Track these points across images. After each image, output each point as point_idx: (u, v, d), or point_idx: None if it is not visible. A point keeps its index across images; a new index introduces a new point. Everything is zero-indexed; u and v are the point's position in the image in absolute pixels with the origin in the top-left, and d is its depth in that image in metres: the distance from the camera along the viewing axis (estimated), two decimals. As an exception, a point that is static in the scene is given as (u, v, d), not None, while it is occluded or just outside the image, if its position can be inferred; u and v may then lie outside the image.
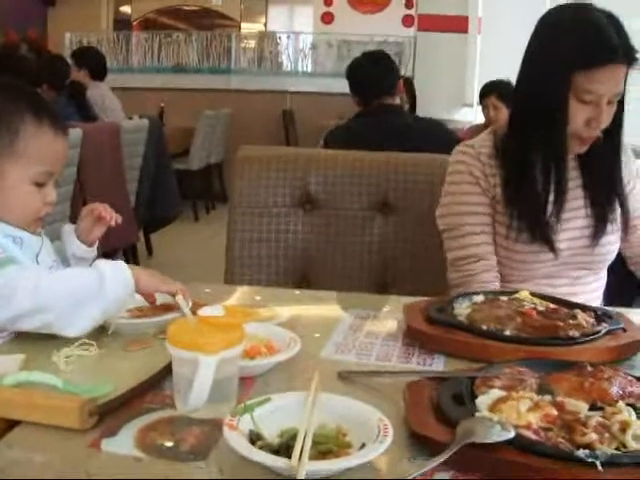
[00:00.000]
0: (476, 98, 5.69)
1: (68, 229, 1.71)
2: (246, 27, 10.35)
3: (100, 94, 6.40)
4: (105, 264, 1.38)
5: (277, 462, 0.90)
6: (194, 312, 1.22)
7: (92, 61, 6.56)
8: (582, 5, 1.93)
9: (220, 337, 1.08)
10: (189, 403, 1.05)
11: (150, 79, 9.82)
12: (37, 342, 1.32)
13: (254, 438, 0.96)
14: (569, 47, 1.85)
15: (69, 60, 6.58)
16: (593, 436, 0.97)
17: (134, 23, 10.49)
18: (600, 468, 0.91)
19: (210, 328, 1.11)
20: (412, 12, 9.36)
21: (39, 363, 1.23)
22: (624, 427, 0.99)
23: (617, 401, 1.09)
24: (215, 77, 9.90)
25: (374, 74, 3.73)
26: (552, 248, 1.93)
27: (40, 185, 1.56)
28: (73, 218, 3.54)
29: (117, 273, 1.36)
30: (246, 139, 8.52)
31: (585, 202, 2.00)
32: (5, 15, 9.48)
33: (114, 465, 0.97)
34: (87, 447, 1.00)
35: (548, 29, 1.94)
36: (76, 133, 4.22)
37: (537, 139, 1.93)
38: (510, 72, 2.01)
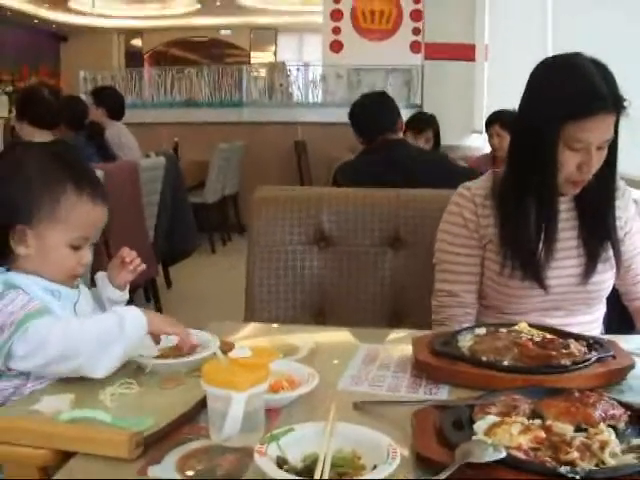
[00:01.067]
0: (484, 124, 5.82)
1: (101, 275, 1.85)
2: (256, 56, 10.52)
3: (117, 133, 6.53)
4: (122, 309, 1.55)
5: (301, 482, 1.05)
6: (224, 352, 1.37)
7: (110, 100, 6.70)
8: (572, 55, 2.00)
9: (249, 376, 1.23)
10: (223, 433, 1.21)
11: (163, 114, 9.96)
12: (83, 382, 1.46)
13: (281, 463, 1.11)
14: (559, 98, 1.94)
15: (85, 98, 6.76)
16: (575, 454, 1.11)
17: (145, 56, 10.69)
18: (579, 482, 1.05)
19: (240, 368, 1.26)
20: (419, 39, 9.48)
21: (88, 400, 1.38)
22: (603, 446, 1.13)
23: (599, 423, 1.23)
24: (227, 110, 10.03)
25: (375, 113, 3.87)
26: (542, 286, 2.03)
27: (76, 247, 1.69)
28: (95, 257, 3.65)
29: (134, 316, 1.52)
30: (260, 170, 8.76)
31: (578, 242, 2.09)
32: (19, 51, 9.69)
33: (160, 489, 1.12)
34: (136, 474, 1.15)
35: (539, 80, 2.03)
36: (98, 174, 4.38)
37: (531, 183, 2.02)
38: (517, 98, 2.10)
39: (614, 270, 2.13)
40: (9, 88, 9.05)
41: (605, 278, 2.12)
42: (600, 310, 2.21)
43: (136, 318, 1.52)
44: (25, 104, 4.79)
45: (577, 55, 2.00)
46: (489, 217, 2.11)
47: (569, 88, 1.95)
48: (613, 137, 1.97)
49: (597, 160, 1.96)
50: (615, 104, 1.92)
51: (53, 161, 1.73)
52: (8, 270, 1.66)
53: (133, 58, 10.70)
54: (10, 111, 7.43)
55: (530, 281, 2.04)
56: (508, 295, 2.10)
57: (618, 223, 2.12)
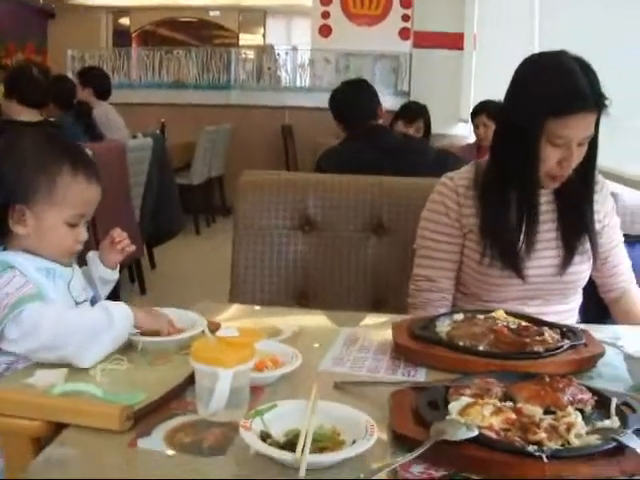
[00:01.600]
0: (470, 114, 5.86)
1: (92, 255, 1.90)
2: (244, 38, 10.46)
3: (105, 112, 6.54)
4: (111, 304, 1.60)
5: (284, 455, 1.11)
6: (212, 331, 1.42)
7: (97, 81, 6.71)
8: (556, 53, 2.05)
9: (235, 354, 1.29)
10: (210, 409, 1.26)
11: (151, 95, 9.92)
12: (74, 357, 1.52)
13: (264, 437, 1.17)
14: (542, 95, 2.00)
15: (72, 77, 6.76)
16: (543, 435, 1.17)
17: (133, 35, 10.63)
18: (545, 460, 1.11)
19: (227, 346, 1.31)
20: (408, 25, 9.47)
21: (80, 375, 1.44)
22: (569, 427, 1.20)
23: (567, 406, 1.29)
24: (215, 92, 10.00)
25: (356, 99, 3.89)
26: (521, 275, 2.09)
27: (73, 226, 1.74)
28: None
29: (122, 310, 1.57)
30: (246, 154, 8.78)
31: (557, 234, 2.15)
32: (5, 27, 9.61)
33: (149, 459, 1.17)
34: (126, 445, 1.20)
35: (525, 76, 2.08)
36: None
37: (513, 175, 2.08)
38: (503, 89, 2.14)
39: (591, 262, 2.19)
40: (-5, 64, 9.00)
41: (582, 269, 2.18)
42: (576, 300, 2.27)
43: (123, 312, 1.57)
44: (14, 82, 4.79)
45: (562, 53, 2.04)
46: (471, 207, 2.17)
47: (553, 86, 2.00)
48: (594, 134, 2.03)
49: (577, 156, 2.02)
50: (597, 103, 1.97)
51: (48, 142, 1.78)
52: (4, 249, 1.71)
53: (121, 37, 10.62)
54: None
55: (509, 271, 2.10)
56: (487, 283, 2.16)
57: (596, 217, 2.18)
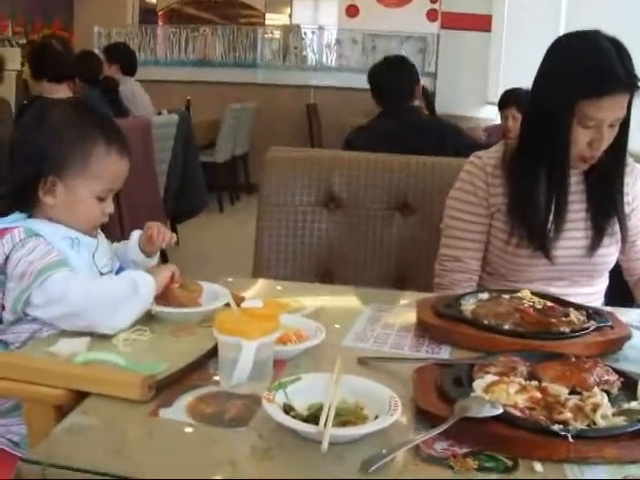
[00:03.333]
0: (499, 96, 5.77)
1: (136, 235, 1.89)
2: (271, 18, 10.41)
3: (131, 89, 6.56)
4: (135, 273, 1.60)
5: (307, 428, 1.10)
6: (236, 305, 1.42)
7: (123, 57, 6.73)
8: (590, 33, 2.01)
9: (259, 326, 1.28)
10: (232, 380, 1.26)
11: (176, 72, 9.93)
12: (97, 329, 1.52)
13: (287, 409, 1.16)
14: (574, 77, 1.96)
15: (99, 54, 6.77)
16: (568, 414, 1.16)
17: (159, 13, 10.61)
18: (571, 440, 1.10)
19: (251, 318, 1.31)
20: (436, 6, 9.42)
21: (102, 344, 1.44)
22: (595, 408, 1.18)
23: (593, 387, 1.27)
24: (240, 70, 10.00)
25: (393, 80, 3.84)
26: (548, 256, 2.07)
27: (102, 199, 1.74)
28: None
29: (146, 279, 1.57)
30: (271, 132, 8.78)
31: (586, 215, 2.12)
32: (32, 3, 9.63)
33: (171, 429, 1.17)
34: (148, 415, 1.20)
35: (556, 57, 2.05)
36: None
37: (543, 157, 2.05)
38: (533, 72, 2.11)
39: (619, 245, 2.16)
40: (22, 41, 9.01)
41: (610, 252, 2.15)
42: (602, 283, 2.25)
43: (148, 281, 1.57)
44: (40, 62, 4.77)
45: (595, 33, 2.00)
46: (499, 186, 2.14)
47: (585, 66, 1.96)
48: (625, 116, 1.99)
49: (608, 137, 1.99)
50: (630, 84, 1.94)
51: (83, 115, 1.78)
52: (29, 217, 1.71)
53: (147, 15, 10.59)
54: (22, 64, 7.38)
55: (537, 251, 2.08)
56: (514, 264, 2.13)
57: (625, 199, 2.15)
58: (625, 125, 2.03)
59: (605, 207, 2.12)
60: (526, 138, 2.14)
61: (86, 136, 1.70)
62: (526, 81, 2.13)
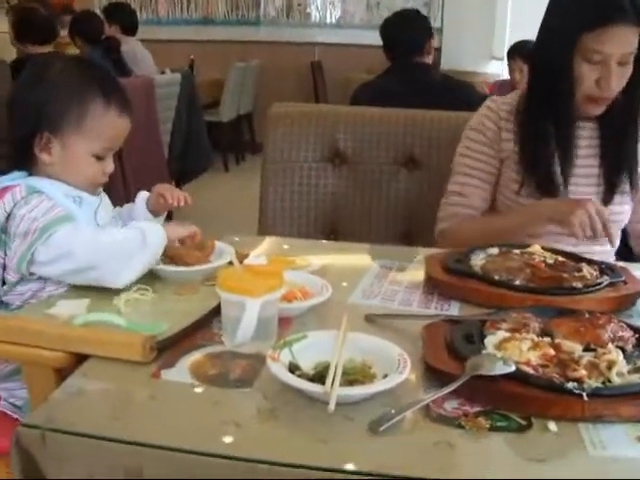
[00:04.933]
0: (506, 51, 5.69)
1: (143, 196, 1.85)
2: (274, -26, 10.31)
3: (132, 49, 6.50)
4: (143, 223, 1.58)
5: (313, 388, 1.07)
6: (240, 261, 1.38)
7: (123, 17, 6.67)
8: None
9: (263, 283, 1.24)
10: (236, 340, 1.23)
11: (179, 31, 9.82)
12: (99, 288, 1.48)
13: (292, 369, 1.13)
14: (576, 8, 1.92)
15: (100, 14, 6.71)
16: (583, 372, 1.13)
17: (161, -29, 10.49)
18: (585, 398, 1.06)
19: (254, 275, 1.28)
20: (442, -40, 9.29)
21: (102, 306, 1.41)
22: (610, 365, 1.15)
23: (608, 343, 1.24)
24: (244, 28, 9.89)
25: (403, 33, 3.77)
26: None
27: (100, 157, 1.68)
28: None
29: (154, 229, 1.55)
30: (275, 90, 8.70)
31: (599, 171, 2.07)
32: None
33: (173, 391, 1.14)
34: (149, 376, 1.17)
35: None
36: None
37: (550, 102, 2.01)
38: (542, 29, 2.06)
39: (631, 205, 2.12)
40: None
41: (622, 210, 2.11)
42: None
43: (156, 231, 1.54)
44: (27, 25, 4.79)
45: None
46: (510, 132, 2.11)
47: None
48: (637, 54, 1.93)
49: (618, 76, 1.93)
50: (637, 16, 1.87)
51: (80, 70, 1.72)
52: (30, 175, 1.67)
53: (148, -27, 10.48)
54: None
55: None
56: None
57: None
58: (638, 72, 1.96)
59: (618, 162, 2.07)
60: (533, 83, 2.10)
61: (83, 92, 1.65)
62: (533, 35, 2.07)
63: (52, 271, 1.52)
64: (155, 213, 1.83)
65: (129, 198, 1.87)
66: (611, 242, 1.87)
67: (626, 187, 2.08)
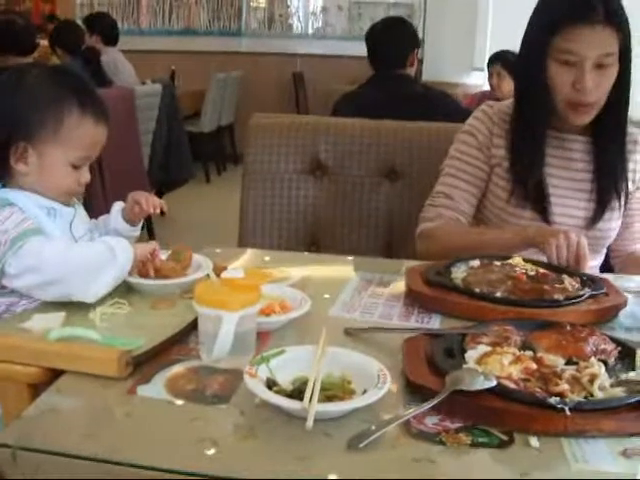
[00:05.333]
0: (486, 63, 5.74)
1: (117, 207, 1.83)
2: (257, -14, 10.33)
3: (113, 59, 6.48)
4: (112, 239, 1.54)
5: (291, 404, 1.05)
6: (217, 274, 1.36)
7: (105, 27, 6.65)
8: None
9: (240, 297, 1.22)
10: (213, 354, 1.20)
11: (160, 42, 9.82)
12: (73, 302, 1.45)
13: (270, 384, 1.11)
14: (546, 9, 1.94)
15: (81, 24, 6.69)
16: (565, 386, 1.11)
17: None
18: (568, 413, 1.05)
19: (232, 289, 1.25)
20: (423, -28, 9.33)
21: (78, 320, 1.38)
22: (593, 379, 1.14)
23: (590, 357, 1.23)
24: (225, 39, 9.90)
25: (388, 44, 3.71)
26: (547, 220, 2.02)
27: (76, 167, 1.66)
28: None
29: (124, 246, 1.52)
30: (257, 101, 8.70)
31: (591, 186, 2.05)
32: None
33: (149, 407, 1.11)
34: (125, 392, 1.15)
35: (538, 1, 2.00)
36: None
37: (532, 107, 2.01)
38: (521, 37, 2.07)
39: (619, 221, 2.11)
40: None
41: (610, 227, 2.09)
42: (597, 259, 2.17)
43: (125, 247, 1.52)
44: (6, 38, 4.76)
45: None
46: (502, 138, 2.10)
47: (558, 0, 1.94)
48: (624, 66, 1.92)
49: (593, 79, 1.89)
50: (608, 16, 1.85)
51: (56, 78, 1.70)
52: (3, 186, 1.64)
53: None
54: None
55: (535, 214, 2.03)
56: (512, 225, 2.06)
57: (631, 175, 2.09)
58: (624, 78, 1.94)
59: (608, 178, 2.05)
60: (516, 92, 2.10)
61: (59, 101, 1.63)
62: (514, 46, 2.08)
63: (21, 283, 1.49)
64: (131, 222, 1.81)
65: (109, 209, 1.85)
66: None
67: (616, 204, 2.06)
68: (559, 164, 2.06)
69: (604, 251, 2.18)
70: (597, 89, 1.91)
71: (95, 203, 1.87)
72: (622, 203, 2.07)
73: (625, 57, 1.92)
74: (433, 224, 2.09)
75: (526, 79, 2.02)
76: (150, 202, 1.79)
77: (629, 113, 2.03)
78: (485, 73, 5.87)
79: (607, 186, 2.05)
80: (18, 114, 1.62)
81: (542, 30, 1.93)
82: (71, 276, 1.43)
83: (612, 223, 2.09)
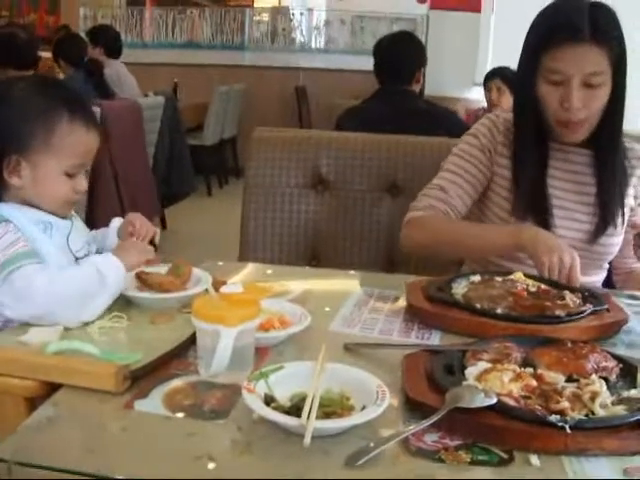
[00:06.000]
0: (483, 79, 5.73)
1: (116, 223, 1.83)
2: (259, 1, 10.36)
3: (116, 71, 6.49)
4: (100, 260, 1.53)
5: (289, 421, 1.04)
6: (216, 289, 1.35)
7: (108, 39, 6.65)
8: None
9: (239, 312, 1.21)
10: (211, 369, 1.20)
11: (163, 54, 9.85)
12: (72, 314, 1.45)
13: (268, 400, 1.10)
14: (537, 29, 1.94)
15: (84, 36, 6.70)
16: (566, 404, 1.10)
17: (148, -5, 10.53)
18: (569, 431, 1.04)
19: (230, 304, 1.24)
20: (425, -12, 9.36)
21: (76, 333, 1.37)
22: (594, 396, 1.13)
23: (591, 374, 1.22)
24: (228, 53, 9.92)
25: (396, 59, 3.70)
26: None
27: (71, 175, 1.65)
28: (91, 191, 3.54)
29: (111, 266, 1.51)
30: (259, 115, 8.72)
31: (595, 200, 2.03)
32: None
33: (146, 422, 1.10)
34: (122, 407, 1.14)
35: (531, 22, 2.00)
36: (97, 110, 4.34)
37: (529, 123, 2.01)
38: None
39: (622, 237, 2.08)
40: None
41: (612, 242, 2.07)
42: (599, 275, 2.15)
43: (115, 269, 1.51)
44: (7, 51, 4.77)
45: None
46: (506, 147, 2.09)
47: (547, 18, 1.94)
48: (616, 90, 1.91)
49: (580, 98, 1.88)
50: (595, 35, 1.85)
51: (43, 88, 1.69)
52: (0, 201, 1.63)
53: (135, -1, 10.54)
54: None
55: (536, 225, 1.98)
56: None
57: (632, 191, 2.08)
58: (617, 94, 1.93)
59: (609, 193, 2.03)
60: (514, 108, 2.10)
61: (47, 110, 1.61)
62: (515, 62, 2.08)
63: (9, 313, 1.46)
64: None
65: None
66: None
67: (619, 219, 2.04)
68: (563, 176, 2.05)
69: (606, 266, 2.16)
70: (586, 108, 1.90)
71: (113, 216, 1.85)
72: (625, 218, 2.06)
73: (618, 73, 1.90)
74: (422, 213, 2.06)
75: (520, 97, 2.05)
76: (143, 228, 1.78)
77: (633, 127, 2.02)
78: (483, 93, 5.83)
79: (611, 200, 2.03)
80: (7, 127, 1.60)
81: (532, 49, 1.95)
82: (61, 309, 1.42)
83: (614, 238, 2.07)
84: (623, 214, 2.05)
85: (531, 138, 2.03)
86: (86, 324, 1.41)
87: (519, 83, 2.05)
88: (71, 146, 1.63)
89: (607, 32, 1.87)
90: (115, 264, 1.51)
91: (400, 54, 3.74)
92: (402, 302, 1.67)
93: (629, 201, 2.08)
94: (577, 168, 2.05)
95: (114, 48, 6.67)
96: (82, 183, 1.68)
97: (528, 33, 1.99)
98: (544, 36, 1.91)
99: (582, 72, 1.86)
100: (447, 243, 1.99)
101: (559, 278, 1.73)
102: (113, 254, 1.56)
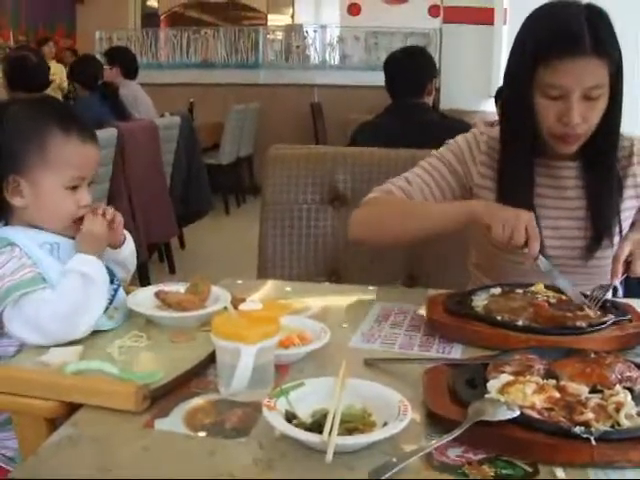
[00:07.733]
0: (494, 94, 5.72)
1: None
2: (273, 19, 10.41)
3: (132, 92, 6.52)
4: (74, 264, 1.54)
5: (310, 437, 1.03)
6: (235, 306, 1.35)
7: (124, 60, 6.70)
8: (563, 1, 1.85)
9: (259, 329, 1.21)
10: (231, 388, 1.19)
11: (179, 75, 9.93)
12: (92, 335, 1.46)
13: (290, 417, 1.09)
14: (532, 42, 1.82)
15: (100, 58, 6.75)
16: (590, 415, 1.09)
17: (162, 17, 10.60)
18: (594, 443, 1.02)
19: (250, 321, 1.24)
20: (438, 1, 9.37)
21: (95, 353, 1.37)
22: (619, 407, 1.11)
23: (615, 384, 1.20)
24: (243, 72, 9.99)
25: (406, 73, 3.72)
26: (540, 252, 1.80)
27: (73, 189, 1.62)
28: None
29: (86, 262, 1.54)
30: (275, 133, 8.74)
31: (587, 214, 1.95)
32: (34, 11, 9.66)
33: (167, 441, 1.10)
34: (142, 427, 1.14)
35: (522, 26, 1.90)
36: (110, 133, 4.37)
37: (516, 137, 1.93)
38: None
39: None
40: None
41: (607, 255, 1.94)
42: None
43: (89, 262, 1.54)
44: (18, 74, 4.83)
45: (570, 1, 1.84)
46: (485, 166, 2.02)
47: (543, 29, 1.82)
48: (609, 93, 1.81)
49: (580, 112, 1.79)
50: (594, 47, 1.75)
51: (36, 108, 1.68)
52: (5, 224, 1.62)
53: (149, 20, 10.59)
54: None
55: (524, 245, 1.79)
56: (505, 256, 1.97)
57: (632, 192, 1.99)
58: (614, 105, 1.85)
59: (603, 203, 1.95)
60: (501, 122, 2.02)
61: (40, 126, 1.61)
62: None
63: (19, 336, 1.47)
64: (112, 246, 1.74)
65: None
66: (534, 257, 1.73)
67: (615, 229, 1.95)
68: (550, 194, 1.97)
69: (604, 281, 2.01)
70: (585, 121, 1.82)
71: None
72: (624, 224, 1.98)
73: (616, 84, 1.83)
74: (380, 194, 2.02)
75: (510, 110, 1.94)
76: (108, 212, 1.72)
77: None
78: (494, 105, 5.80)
79: (603, 212, 1.95)
80: (2, 148, 1.60)
81: (526, 62, 1.82)
82: (65, 331, 1.44)
83: (610, 251, 1.93)
84: (620, 223, 1.96)
85: (519, 155, 1.94)
86: (105, 344, 1.41)
87: (509, 95, 1.94)
88: (67, 158, 1.61)
89: (608, 41, 1.78)
90: (86, 259, 1.53)
91: (410, 67, 3.76)
92: (422, 316, 1.66)
93: (631, 203, 2.00)
94: (564, 183, 1.97)
95: (131, 69, 6.71)
96: (85, 197, 1.65)
97: (519, 42, 1.88)
98: (541, 46, 1.79)
99: (583, 86, 1.77)
100: (400, 219, 1.94)
101: (517, 238, 1.67)
102: (77, 252, 1.57)
